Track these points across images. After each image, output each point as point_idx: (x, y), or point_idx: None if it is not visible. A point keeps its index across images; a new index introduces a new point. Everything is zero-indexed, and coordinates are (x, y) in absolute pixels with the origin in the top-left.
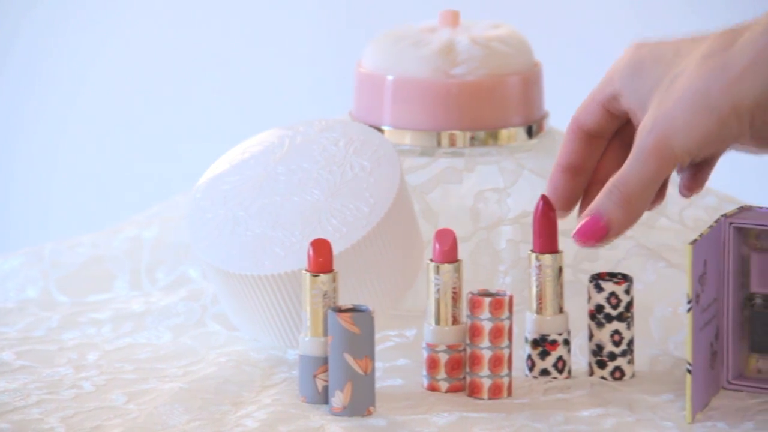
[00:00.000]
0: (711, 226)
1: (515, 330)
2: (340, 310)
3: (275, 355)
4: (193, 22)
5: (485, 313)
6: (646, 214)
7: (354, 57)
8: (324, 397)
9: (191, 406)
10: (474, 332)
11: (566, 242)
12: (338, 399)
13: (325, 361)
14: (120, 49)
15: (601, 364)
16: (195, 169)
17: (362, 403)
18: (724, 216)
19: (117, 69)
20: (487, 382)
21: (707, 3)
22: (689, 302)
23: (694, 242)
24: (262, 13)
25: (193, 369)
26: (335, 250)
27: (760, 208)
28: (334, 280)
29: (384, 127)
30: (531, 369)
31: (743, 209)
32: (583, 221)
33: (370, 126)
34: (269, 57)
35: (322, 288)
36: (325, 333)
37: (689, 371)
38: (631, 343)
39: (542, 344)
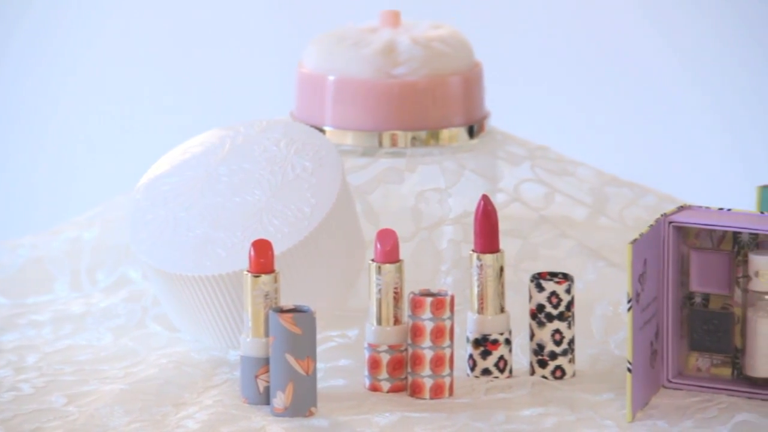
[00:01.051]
0: (651, 226)
1: (457, 330)
2: (281, 311)
3: (217, 356)
4: (131, 20)
5: (427, 313)
6: (586, 214)
7: (295, 57)
8: (265, 398)
9: (132, 408)
10: (415, 332)
11: (507, 242)
12: (280, 400)
13: (266, 361)
14: (59, 49)
15: (542, 364)
16: (135, 169)
17: (304, 403)
18: (664, 215)
19: (54, 69)
20: (428, 382)
21: (649, 3)
22: (629, 301)
23: (634, 241)
24: (203, 12)
25: (134, 370)
26: (277, 251)
27: (700, 207)
28: (275, 280)
29: (325, 128)
30: (472, 368)
31: (683, 208)
32: None
33: (312, 126)
34: (210, 57)
35: (263, 289)
36: (267, 334)
37: (629, 370)
38: (571, 342)
39: (483, 344)
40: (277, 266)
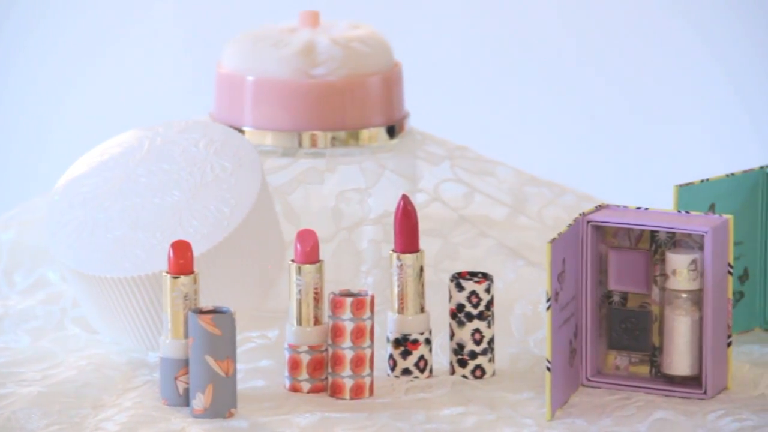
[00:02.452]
0: (569, 225)
1: (377, 330)
2: (201, 312)
3: (136, 358)
4: (51, 19)
5: (347, 314)
6: (505, 213)
7: (214, 58)
8: (185, 400)
9: (50, 411)
10: (336, 332)
11: (427, 241)
12: (199, 401)
13: (186, 363)
14: None
15: (462, 363)
16: (53, 171)
17: (224, 404)
18: (582, 214)
19: None
20: (349, 382)
21: (563, 1)
22: (548, 300)
23: (552, 241)
24: (121, 11)
25: (52, 373)
26: (196, 252)
27: (618, 206)
28: (195, 281)
29: (245, 128)
30: (393, 368)
31: (601, 207)
32: None
33: (231, 127)
34: (129, 58)
35: (182, 290)
36: (186, 335)
37: (548, 369)
38: (491, 341)
39: (404, 344)
40: (196, 267)
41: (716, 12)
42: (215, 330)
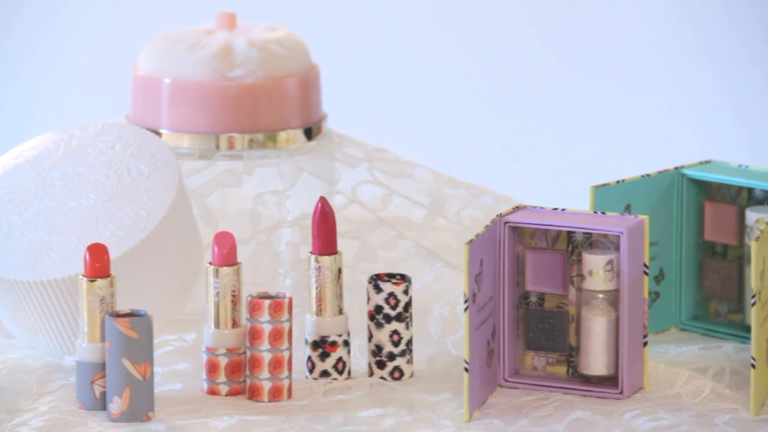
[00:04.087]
0: (487, 226)
1: (295, 332)
2: (117, 315)
3: (52, 362)
4: None
5: (265, 316)
6: (423, 215)
7: (130, 60)
8: (102, 404)
9: None
10: (254, 335)
11: (345, 243)
12: (116, 405)
13: (102, 366)
14: None
15: (381, 365)
16: None
17: (141, 408)
18: (500, 215)
19: None
20: (267, 385)
21: (468, 2)
22: (466, 301)
23: (470, 242)
24: (38, 12)
25: None
26: (112, 255)
27: (535, 207)
28: (111, 284)
29: (162, 130)
30: (311, 371)
31: (518, 208)
32: None
33: (148, 129)
34: (44, 59)
35: (99, 293)
36: (103, 338)
37: (466, 370)
38: (410, 342)
39: (322, 346)
40: (113, 270)
41: (628, 12)
42: (132, 333)
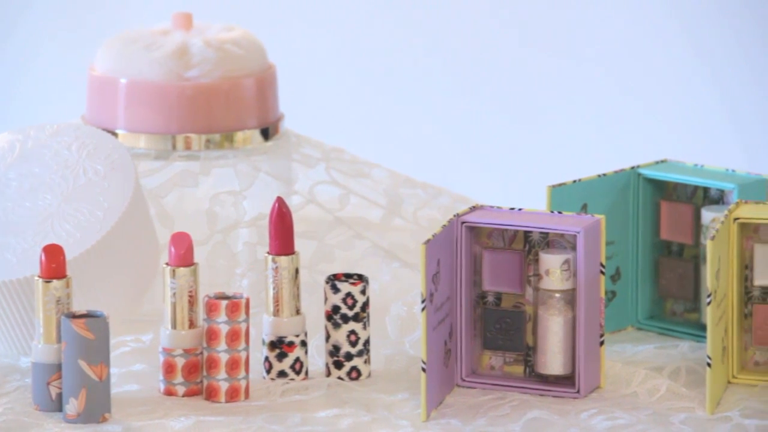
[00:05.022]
0: (444, 226)
1: (252, 332)
2: (74, 316)
3: (7, 363)
4: None
5: (222, 316)
6: (380, 215)
7: (86, 60)
8: (58, 405)
9: None
10: (211, 335)
11: (302, 244)
12: (72, 406)
13: (59, 368)
14: None
15: (338, 365)
16: None
17: (97, 409)
18: (457, 215)
19: None
20: (224, 385)
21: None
22: (423, 301)
23: (427, 242)
24: None
25: None
26: (69, 256)
27: (492, 207)
28: (67, 285)
29: (118, 131)
30: (268, 371)
31: (475, 208)
32: None
33: (104, 130)
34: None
35: (55, 294)
36: (59, 339)
37: (424, 369)
38: (367, 343)
39: (279, 346)
40: (69, 271)
41: (582, 12)
42: (88, 334)
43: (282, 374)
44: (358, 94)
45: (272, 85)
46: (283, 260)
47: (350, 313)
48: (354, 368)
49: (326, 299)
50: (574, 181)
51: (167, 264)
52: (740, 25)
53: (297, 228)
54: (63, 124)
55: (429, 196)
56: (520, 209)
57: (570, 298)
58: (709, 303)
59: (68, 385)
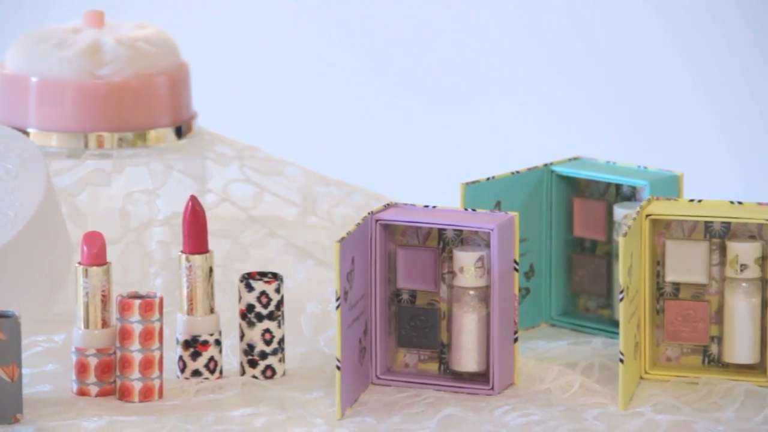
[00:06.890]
0: (358, 224)
1: (166, 331)
2: None
3: None
4: None
5: (135, 316)
6: (295, 213)
7: None
8: None
9: None
10: (124, 335)
11: (217, 242)
12: None
13: None
14: None
15: (253, 363)
16: None
17: (9, 410)
18: (371, 213)
19: None
20: (138, 385)
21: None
22: (338, 299)
23: (341, 240)
24: None
25: None
26: None
27: (406, 204)
28: None
29: (29, 130)
30: (183, 370)
31: (389, 206)
32: None
33: (15, 128)
34: None
35: None
36: None
37: (338, 368)
38: (282, 341)
39: (193, 345)
40: None
41: (493, 10)
42: (0, 335)
43: (196, 373)
44: (271, 92)
45: (185, 83)
46: (197, 259)
47: (265, 312)
48: (269, 367)
49: (240, 298)
50: (488, 179)
51: (80, 263)
52: (640, 20)
53: (211, 226)
54: None
55: (343, 193)
56: (434, 207)
57: (484, 295)
58: (621, 299)
59: None
